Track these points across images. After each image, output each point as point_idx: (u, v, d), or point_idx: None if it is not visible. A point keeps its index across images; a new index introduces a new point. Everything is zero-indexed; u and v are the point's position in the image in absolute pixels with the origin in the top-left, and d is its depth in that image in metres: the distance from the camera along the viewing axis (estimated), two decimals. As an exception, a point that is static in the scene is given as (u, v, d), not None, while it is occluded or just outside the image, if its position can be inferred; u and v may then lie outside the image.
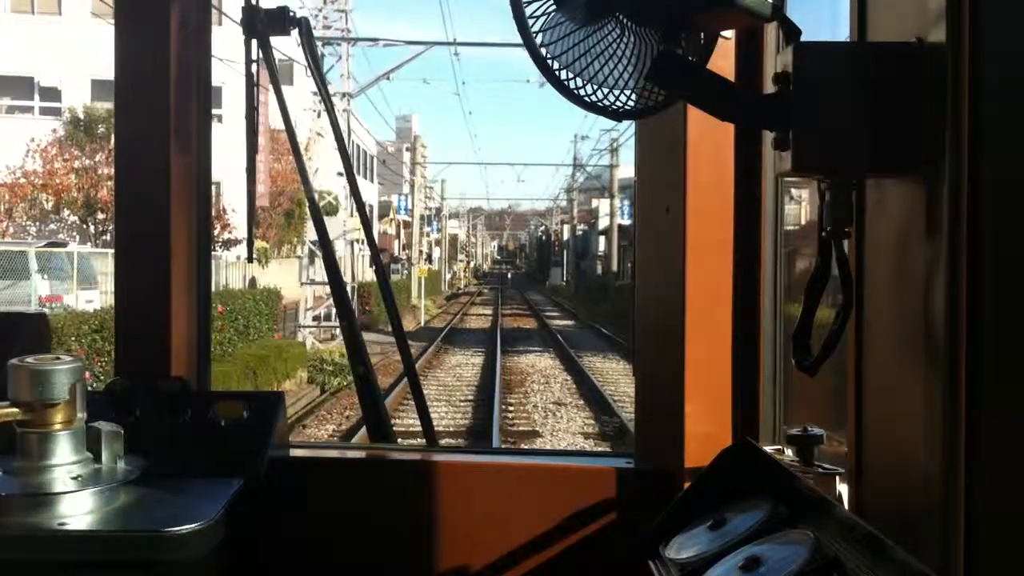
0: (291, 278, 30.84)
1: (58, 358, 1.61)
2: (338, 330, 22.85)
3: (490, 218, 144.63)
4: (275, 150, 23.01)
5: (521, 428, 14.69)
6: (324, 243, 2.68)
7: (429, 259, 76.08)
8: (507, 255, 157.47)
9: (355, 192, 2.69)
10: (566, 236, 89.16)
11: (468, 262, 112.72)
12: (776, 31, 1.75)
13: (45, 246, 22.90)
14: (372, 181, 59.75)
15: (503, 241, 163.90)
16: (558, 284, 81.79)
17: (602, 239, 63.84)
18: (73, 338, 12.72)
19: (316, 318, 26.79)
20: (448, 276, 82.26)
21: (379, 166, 61.77)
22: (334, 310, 24.69)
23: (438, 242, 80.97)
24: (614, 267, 50.58)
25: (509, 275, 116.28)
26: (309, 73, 2.42)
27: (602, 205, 64.07)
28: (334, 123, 2.64)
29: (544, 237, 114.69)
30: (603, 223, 62.36)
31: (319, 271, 24.47)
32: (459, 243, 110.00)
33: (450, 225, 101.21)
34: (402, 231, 62.91)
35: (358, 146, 48.97)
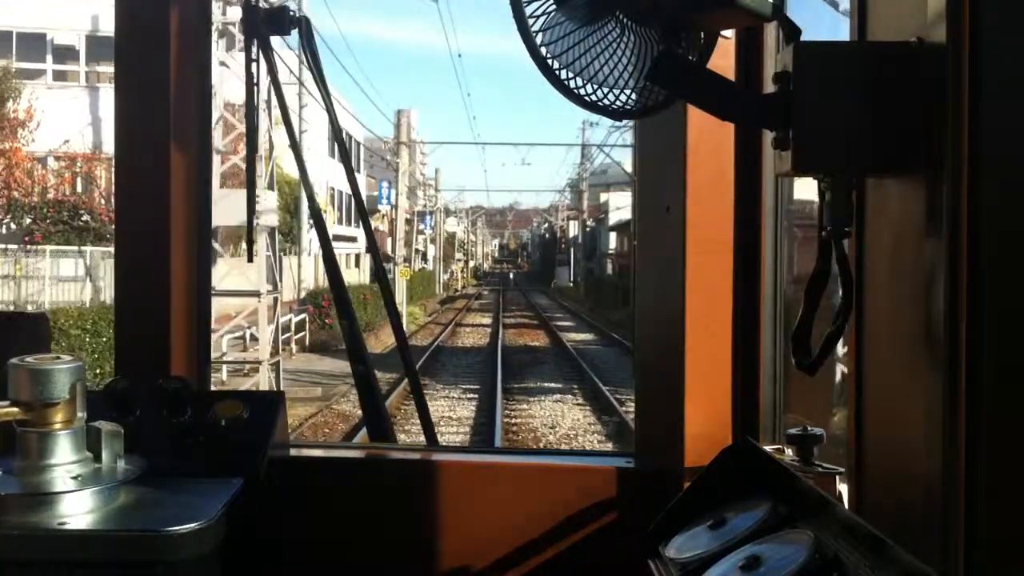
0: (246, 281, 24.98)
1: (58, 358, 1.61)
2: (259, 365, 17.45)
3: (490, 216, 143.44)
4: (228, 124, 19.16)
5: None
6: (324, 241, 2.67)
7: (424, 258, 70.33)
8: (508, 254, 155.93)
9: (352, 182, 2.66)
10: (573, 232, 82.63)
11: (466, 261, 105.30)
12: (776, 31, 1.75)
13: None
14: (359, 171, 54.28)
15: (504, 239, 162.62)
16: (565, 285, 75.12)
17: (612, 235, 58.92)
18: None
19: (239, 340, 20.78)
20: (445, 277, 76.14)
21: (372, 160, 56.87)
22: (260, 331, 18.06)
23: (433, 240, 75.89)
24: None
25: (511, 275, 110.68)
26: (309, 70, 2.41)
27: (612, 199, 59.64)
28: (334, 123, 2.64)
29: (548, 235, 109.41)
30: (613, 218, 57.90)
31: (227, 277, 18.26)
32: (457, 241, 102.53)
33: (448, 223, 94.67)
34: (396, 227, 60.57)
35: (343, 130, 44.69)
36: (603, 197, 66.00)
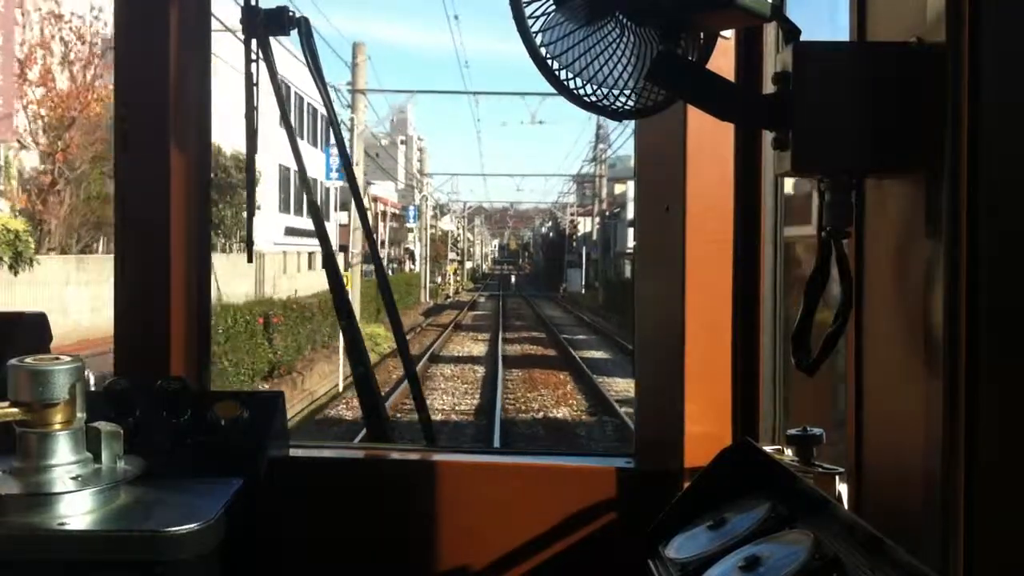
0: (84, 296, 16.79)
1: (58, 358, 1.61)
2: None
3: (489, 215, 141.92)
4: (63, 42, 13.42)
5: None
6: (323, 240, 2.67)
7: (413, 258, 61.20)
8: (509, 255, 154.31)
9: (351, 177, 2.64)
10: (585, 229, 71.63)
11: (461, 262, 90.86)
12: (776, 31, 1.75)
13: None
14: (315, 145, 39.43)
15: (504, 240, 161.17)
16: (577, 291, 62.87)
17: (631, 231, 46.76)
18: None
19: None
20: (439, 280, 65.71)
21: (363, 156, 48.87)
22: None
23: (433, 237, 66.32)
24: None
25: (512, 278, 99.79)
26: (309, 70, 2.41)
27: (630, 189, 49.67)
28: (334, 124, 2.64)
29: (552, 233, 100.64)
30: (632, 212, 51.00)
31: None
32: (451, 239, 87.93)
33: (443, 221, 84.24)
34: (380, 223, 47.97)
35: (298, 95, 32.49)
36: (618, 189, 57.66)
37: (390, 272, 39.71)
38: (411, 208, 60.48)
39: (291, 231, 33.43)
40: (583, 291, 61.31)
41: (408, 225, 61.47)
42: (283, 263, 31.58)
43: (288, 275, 32.07)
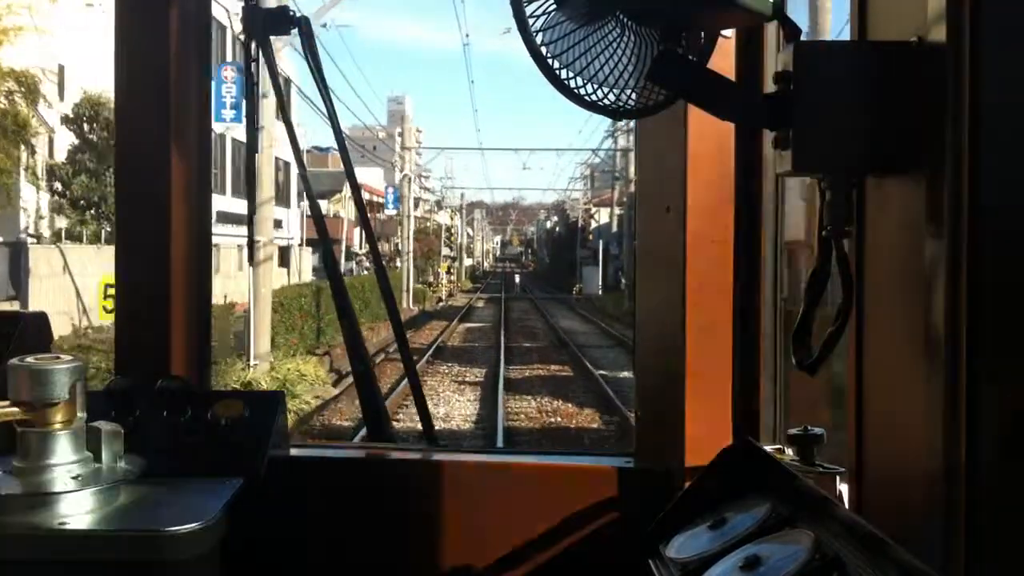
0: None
1: (58, 358, 1.61)
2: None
3: (491, 210, 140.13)
4: None
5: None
6: (323, 238, 2.66)
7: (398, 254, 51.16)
8: (512, 252, 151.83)
9: (349, 169, 2.61)
10: (601, 221, 61.53)
11: (454, 259, 78.44)
12: (776, 31, 1.75)
13: None
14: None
15: (507, 236, 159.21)
16: (594, 293, 52.17)
17: None
18: None
19: None
20: (430, 280, 56.77)
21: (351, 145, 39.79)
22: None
23: (422, 227, 56.81)
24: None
25: (516, 277, 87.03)
26: (309, 69, 2.40)
27: None
28: (334, 124, 2.64)
29: (559, 229, 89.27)
30: None
31: None
32: (445, 232, 76.33)
33: (433, 212, 76.88)
34: (370, 218, 38.50)
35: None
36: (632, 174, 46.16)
37: (367, 273, 33.75)
38: (390, 190, 49.65)
39: (227, 217, 24.91)
40: (600, 292, 51.55)
41: (389, 212, 52.57)
42: (216, 260, 22.33)
43: (223, 274, 24.58)
